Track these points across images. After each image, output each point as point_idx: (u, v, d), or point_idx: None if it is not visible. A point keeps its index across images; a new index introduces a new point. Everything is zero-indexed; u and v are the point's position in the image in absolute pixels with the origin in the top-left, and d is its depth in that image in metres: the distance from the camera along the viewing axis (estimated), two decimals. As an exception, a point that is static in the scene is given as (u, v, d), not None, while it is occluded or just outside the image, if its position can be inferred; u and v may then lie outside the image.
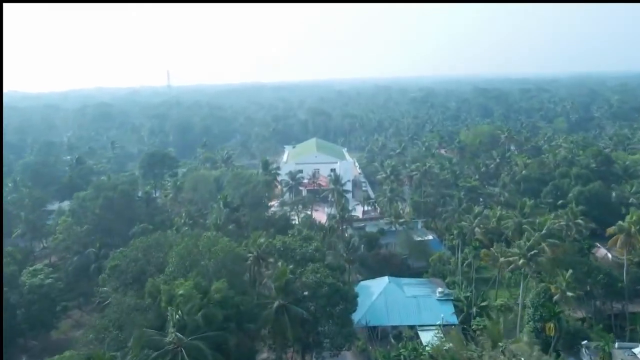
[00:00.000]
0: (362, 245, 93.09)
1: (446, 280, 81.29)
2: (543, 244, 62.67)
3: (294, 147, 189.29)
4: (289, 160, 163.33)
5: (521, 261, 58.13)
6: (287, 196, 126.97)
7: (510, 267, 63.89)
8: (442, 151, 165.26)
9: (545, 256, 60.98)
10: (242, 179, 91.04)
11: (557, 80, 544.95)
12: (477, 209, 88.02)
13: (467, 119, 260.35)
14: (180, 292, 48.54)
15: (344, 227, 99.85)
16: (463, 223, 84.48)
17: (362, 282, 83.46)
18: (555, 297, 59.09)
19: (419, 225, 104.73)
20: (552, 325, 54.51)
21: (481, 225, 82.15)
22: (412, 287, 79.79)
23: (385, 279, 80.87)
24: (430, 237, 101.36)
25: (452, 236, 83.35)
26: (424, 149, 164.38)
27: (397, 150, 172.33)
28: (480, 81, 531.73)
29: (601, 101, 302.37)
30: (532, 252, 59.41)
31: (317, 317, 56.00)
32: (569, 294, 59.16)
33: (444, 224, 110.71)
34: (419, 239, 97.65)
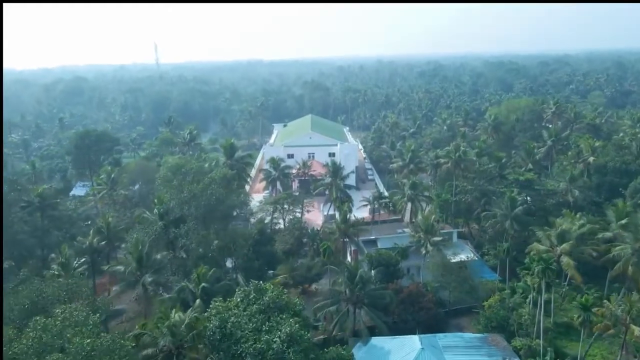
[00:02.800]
0: (373, 271, 61.68)
1: (514, 343, 49.89)
2: None
3: (285, 125, 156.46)
4: (276, 142, 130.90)
5: None
6: (269, 191, 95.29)
7: None
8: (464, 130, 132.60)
9: None
10: (190, 173, 57.75)
11: (570, 56, 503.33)
12: (561, 223, 56.07)
13: (486, 94, 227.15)
14: None
15: (345, 240, 68.31)
16: (540, 246, 52.58)
17: (376, 340, 52.07)
18: None
19: (455, 237, 72.69)
20: None
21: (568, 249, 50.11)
22: (459, 357, 48.38)
23: (415, 340, 49.44)
24: (474, 257, 69.70)
25: (528, 272, 50.60)
26: (445, 127, 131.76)
27: (411, 130, 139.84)
28: (486, 58, 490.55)
29: (635, 74, 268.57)
30: None
31: None
32: None
33: (486, 235, 79.39)
34: (457, 259, 65.78)
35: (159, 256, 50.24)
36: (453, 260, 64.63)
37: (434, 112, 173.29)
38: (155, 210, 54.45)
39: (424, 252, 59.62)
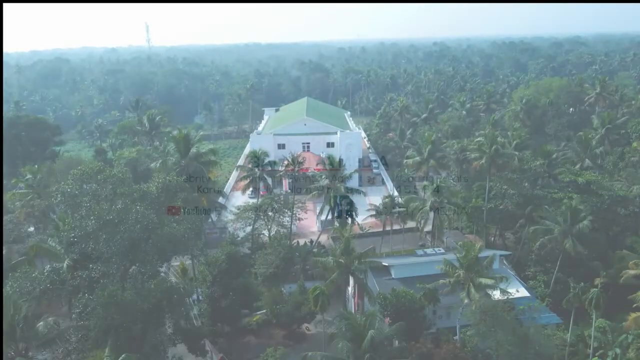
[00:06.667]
0: (388, 321, 42.68)
1: None
2: None
3: (276, 110, 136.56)
4: (265, 129, 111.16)
5: None
6: (251, 193, 75.86)
7: None
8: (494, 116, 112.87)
9: None
10: (108, 182, 37.27)
11: (581, 38, 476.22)
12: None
13: (500, 75, 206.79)
14: None
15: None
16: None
17: None
18: None
19: (496, 263, 53.00)
20: None
21: None
22: None
23: None
24: (527, 293, 50.54)
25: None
26: (464, 112, 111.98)
27: (423, 115, 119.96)
28: (492, 40, 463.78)
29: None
30: None
31: None
32: None
33: (531, 254, 60.47)
34: (503, 295, 46.10)
35: (51, 320, 31.11)
36: (499, 296, 45.23)
37: (447, 95, 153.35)
38: (56, 245, 35.03)
39: (465, 300, 40.14)
